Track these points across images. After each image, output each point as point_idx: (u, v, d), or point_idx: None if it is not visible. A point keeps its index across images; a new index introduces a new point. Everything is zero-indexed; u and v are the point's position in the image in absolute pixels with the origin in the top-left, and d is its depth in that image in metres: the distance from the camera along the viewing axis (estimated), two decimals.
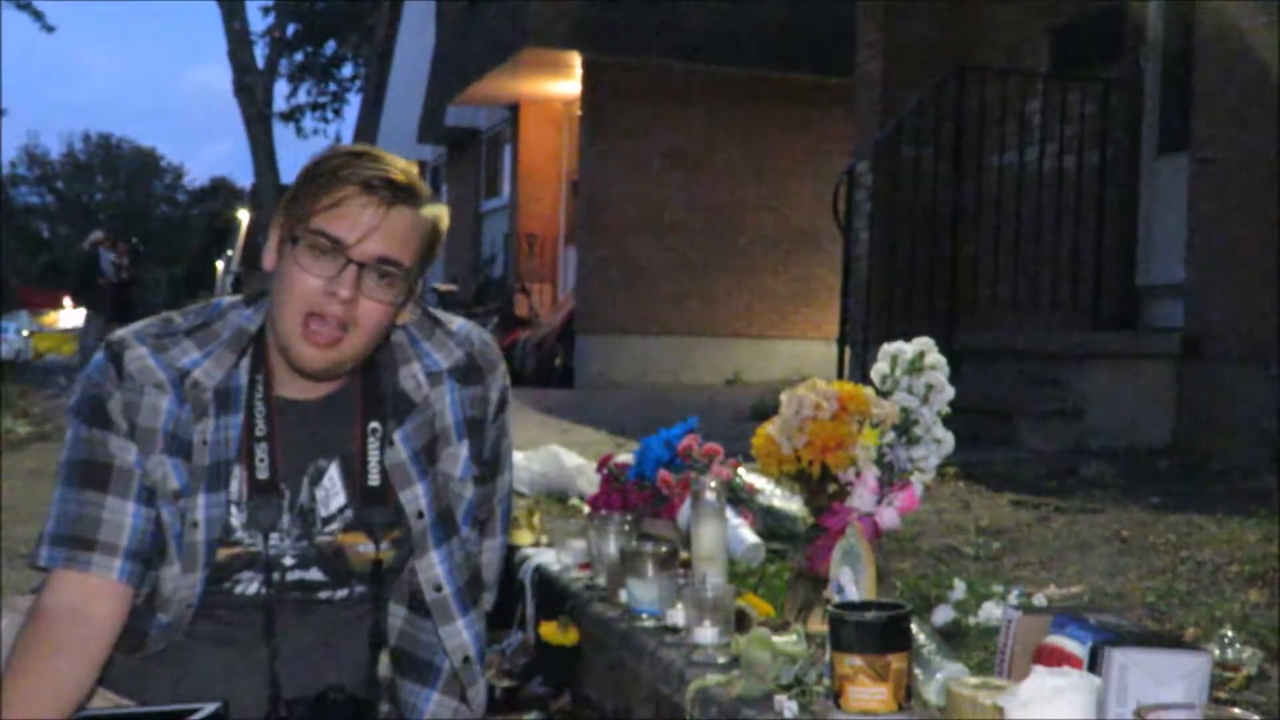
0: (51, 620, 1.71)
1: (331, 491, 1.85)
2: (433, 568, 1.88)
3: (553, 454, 4.43)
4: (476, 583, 1.96)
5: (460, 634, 1.92)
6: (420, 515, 1.86)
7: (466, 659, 1.93)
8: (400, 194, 1.73)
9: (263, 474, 1.80)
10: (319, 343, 1.73)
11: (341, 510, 1.85)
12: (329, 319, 1.72)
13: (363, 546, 1.86)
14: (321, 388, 1.84)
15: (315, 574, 1.86)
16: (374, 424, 1.85)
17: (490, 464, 1.96)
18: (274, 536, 1.82)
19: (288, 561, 1.84)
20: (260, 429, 1.80)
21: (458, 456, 1.90)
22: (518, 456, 4.37)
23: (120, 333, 1.82)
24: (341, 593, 1.88)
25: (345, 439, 1.85)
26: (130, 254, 16.26)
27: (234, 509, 1.81)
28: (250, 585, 1.84)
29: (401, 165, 1.77)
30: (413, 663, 1.95)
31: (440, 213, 1.81)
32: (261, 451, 1.80)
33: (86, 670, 1.71)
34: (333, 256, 1.71)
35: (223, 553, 1.80)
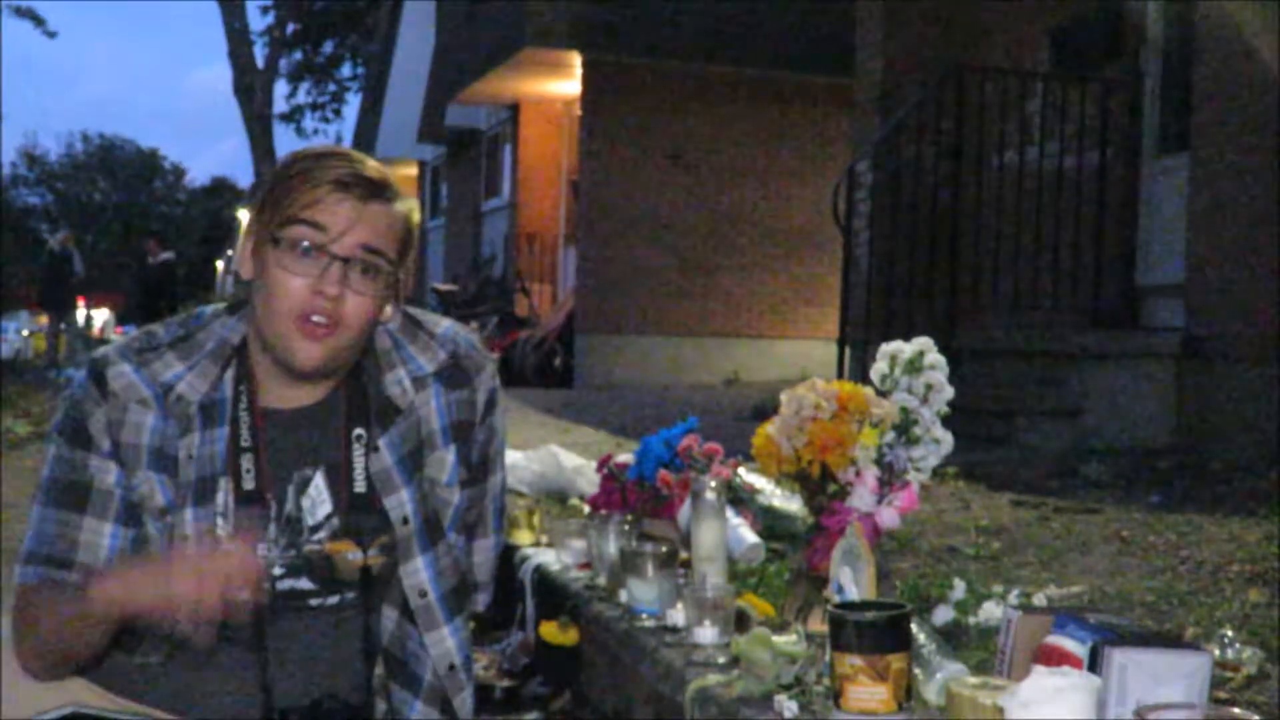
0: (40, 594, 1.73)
1: (318, 500, 1.84)
2: (418, 573, 1.88)
3: (551, 454, 4.43)
4: (463, 589, 1.95)
5: (445, 641, 1.91)
6: (406, 521, 1.85)
7: (451, 666, 1.92)
8: (374, 189, 1.74)
9: (249, 484, 1.79)
10: (315, 336, 1.73)
11: (328, 518, 1.84)
12: (320, 317, 1.73)
13: (351, 554, 1.85)
14: (306, 396, 1.83)
15: (305, 582, 1.85)
16: (359, 430, 1.84)
17: (480, 466, 1.95)
18: (261, 546, 1.81)
19: (277, 571, 1.83)
20: (245, 440, 1.80)
21: (445, 461, 1.89)
22: (517, 456, 4.37)
23: (103, 350, 1.82)
24: (332, 600, 1.88)
25: (330, 447, 1.84)
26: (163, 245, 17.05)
27: (220, 521, 1.80)
28: (241, 593, 1.83)
29: (372, 162, 1.78)
30: (400, 668, 1.94)
31: (412, 208, 1.82)
32: (247, 462, 1.80)
33: None
34: (315, 255, 1.71)
35: None
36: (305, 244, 1.71)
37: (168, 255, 17.06)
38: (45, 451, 1.82)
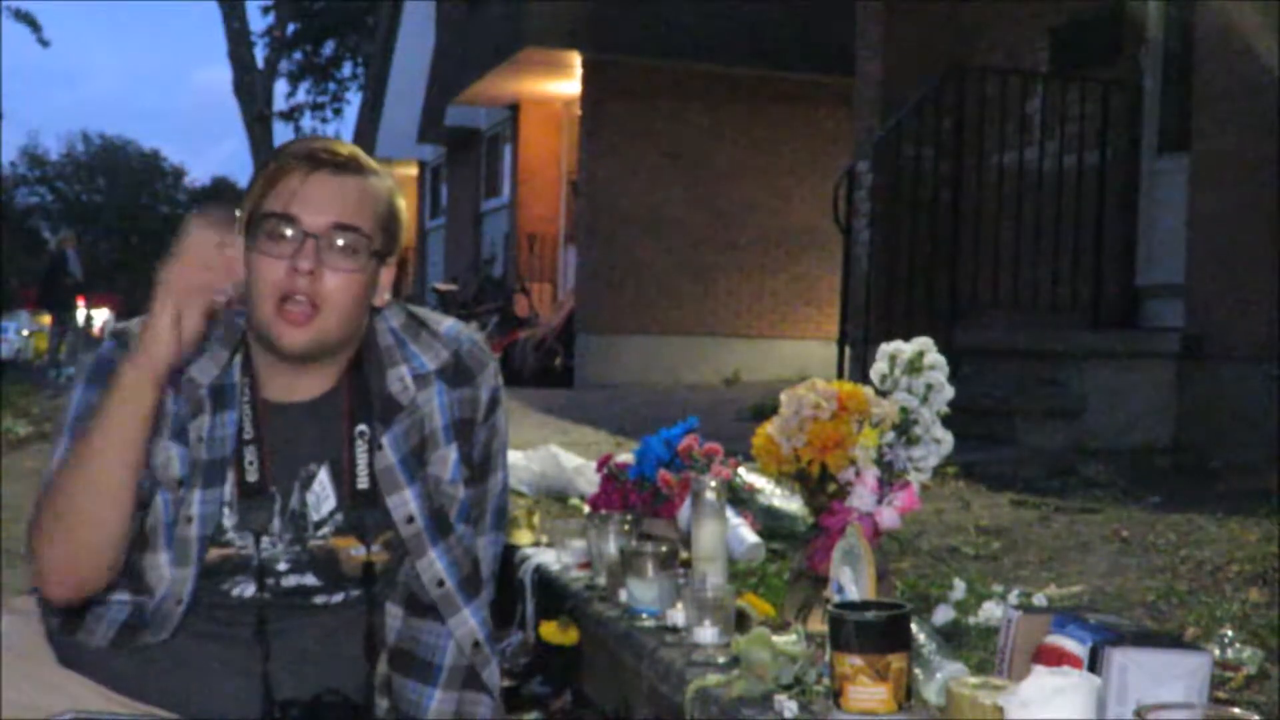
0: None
1: (322, 496, 1.85)
2: (433, 565, 1.88)
3: (551, 454, 4.43)
4: (476, 574, 1.96)
5: (467, 621, 1.92)
6: (410, 520, 1.86)
7: (477, 644, 1.93)
8: (343, 162, 1.76)
9: (252, 476, 1.80)
10: (296, 320, 1.73)
11: (332, 514, 1.85)
12: (300, 296, 1.73)
13: (354, 550, 1.86)
14: (307, 390, 1.84)
15: (310, 578, 1.86)
16: (361, 427, 1.84)
17: (481, 465, 1.96)
18: (266, 541, 1.82)
19: (281, 567, 1.84)
20: (248, 432, 1.81)
21: (447, 459, 1.90)
22: (517, 456, 4.37)
23: (123, 324, 1.85)
24: (336, 596, 1.88)
25: (334, 443, 1.85)
26: None
27: (226, 510, 1.81)
28: (246, 588, 1.84)
29: (347, 144, 1.81)
30: (413, 662, 1.95)
31: (392, 186, 1.84)
32: (250, 454, 1.80)
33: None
34: (290, 236, 1.73)
35: (214, 553, 1.81)
36: (278, 224, 1.73)
37: None
38: (70, 396, 1.82)
